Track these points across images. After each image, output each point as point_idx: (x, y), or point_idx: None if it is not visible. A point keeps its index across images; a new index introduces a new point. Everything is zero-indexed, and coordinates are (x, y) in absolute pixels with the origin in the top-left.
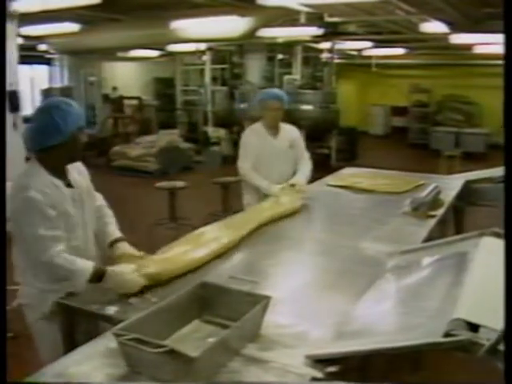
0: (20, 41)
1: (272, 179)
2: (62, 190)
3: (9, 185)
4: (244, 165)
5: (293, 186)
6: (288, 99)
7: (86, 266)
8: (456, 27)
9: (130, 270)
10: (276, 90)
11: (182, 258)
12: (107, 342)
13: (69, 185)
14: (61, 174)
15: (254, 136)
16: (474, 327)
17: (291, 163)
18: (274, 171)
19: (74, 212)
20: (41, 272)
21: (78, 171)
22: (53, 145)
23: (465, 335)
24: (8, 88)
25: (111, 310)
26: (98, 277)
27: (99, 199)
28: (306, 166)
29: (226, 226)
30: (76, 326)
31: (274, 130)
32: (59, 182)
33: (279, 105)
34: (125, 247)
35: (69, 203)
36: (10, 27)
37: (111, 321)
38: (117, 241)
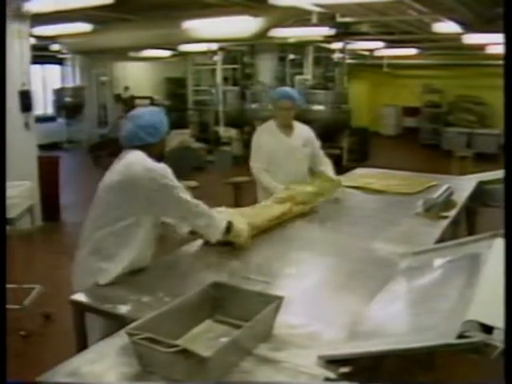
0: (32, 41)
1: (286, 178)
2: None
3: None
4: (255, 164)
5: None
6: (300, 98)
7: (222, 220)
8: (468, 27)
9: (243, 224)
10: (288, 89)
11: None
12: (120, 340)
13: None
14: None
15: (266, 134)
16: (487, 329)
17: (306, 162)
18: (289, 169)
19: None
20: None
21: None
22: (151, 143)
23: (478, 337)
24: (20, 88)
25: (124, 308)
26: (228, 228)
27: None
28: (328, 165)
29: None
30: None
31: (287, 128)
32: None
33: (291, 104)
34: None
35: None
36: (23, 27)
37: (124, 320)
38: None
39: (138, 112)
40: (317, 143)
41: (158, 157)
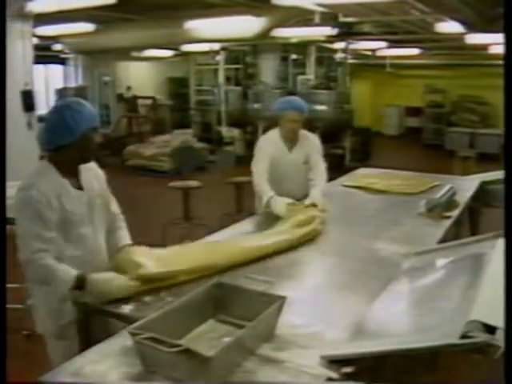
0: (35, 41)
1: (285, 192)
2: (70, 192)
3: (16, 184)
4: (257, 169)
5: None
6: (308, 107)
7: (69, 273)
8: (471, 27)
9: (114, 276)
10: (295, 100)
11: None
12: (123, 340)
13: (79, 187)
14: (72, 175)
15: (269, 145)
16: (490, 329)
17: (302, 180)
18: (287, 184)
19: (80, 215)
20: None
21: (94, 174)
22: (64, 145)
23: (482, 337)
24: (23, 88)
25: (127, 308)
26: (80, 285)
27: (113, 205)
28: (320, 181)
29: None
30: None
31: (291, 141)
32: (68, 184)
33: (298, 116)
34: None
35: (75, 206)
36: (26, 27)
37: (127, 319)
38: (125, 246)
39: (50, 109)
40: (319, 155)
41: (78, 161)
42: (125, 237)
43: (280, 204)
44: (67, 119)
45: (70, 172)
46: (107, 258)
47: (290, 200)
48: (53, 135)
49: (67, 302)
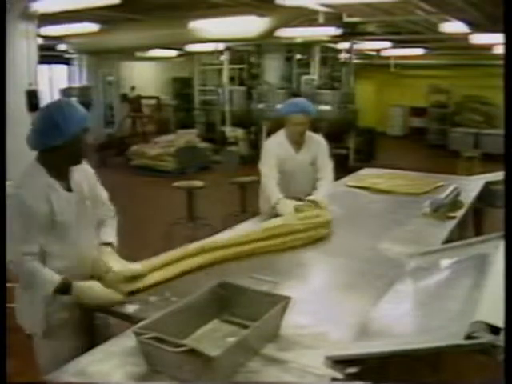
0: (40, 41)
1: (292, 193)
2: (60, 193)
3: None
4: (265, 171)
5: (313, 202)
6: (314, 110)
7: (53, 277)
8: (476, 27)
9: (96, 285)
10: (301, 102)
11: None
12: (127, 340)
13: (69, 189)
14: (62, 176)
15: (276, 147)
16: (495, 330)
17: (310, 181)
18: (295, 186)
19: (69, 217)
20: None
21: (84, 174)
22: (54, 146)
23: (486, 338)
24: (27, 88)
25: (131, 308)
26: (64, 290)
27: (106, 206)
28: (327, 182)
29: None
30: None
31: (297, 143)
32: (57, 185)
33: (305, 119)
34: (108, 253)
35: (65, 207)
36: (30, 27)
37: (131, 319)
38: (105, 244)
39: (41, 109)
40: (325, 157)
41: (69, 161)
42: (108, 234)
43: (287, 206)
44: (57, 120)
45: (60, 173)
46: None
47: (298, 202)
48: (42, 136)
49: (53, 305)
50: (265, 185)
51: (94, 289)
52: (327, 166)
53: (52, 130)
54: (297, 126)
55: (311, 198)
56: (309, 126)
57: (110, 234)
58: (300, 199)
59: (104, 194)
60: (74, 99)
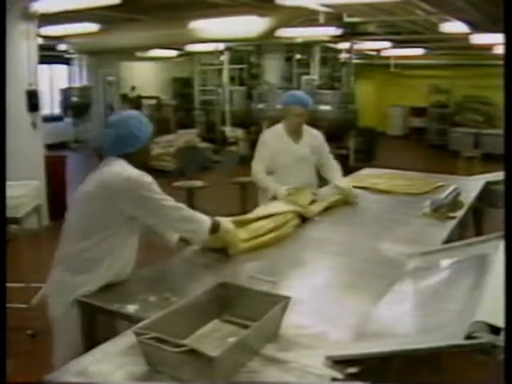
0: (40, 41)
1: (293, 184)
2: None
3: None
4: (257, 166)
5: (340, 189)
6: (312, 102)
7: (206, 217)
8: (476, 27)
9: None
10: (300, 94)
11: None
12: (128, 340)
13: None
14: None
15: (273, 139)
16: (495, 330)
17: (313, 169)
18: (295, 177)
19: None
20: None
21: None
22: (130, 152)
23: (486, 338)
24: (27, 88)
25: (131, 308)
26: (214, 228)
27: None
28: (337, 172)
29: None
30: (96, 324)
31: (295, 134)
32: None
33: (303, 110)
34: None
35: None
36: (31, 27)
37: (131, 319)
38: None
39: (116, 119)
40: (326, 149)
41: (141, 165)
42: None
43: (280, 189)
44: (135, 130)
45: None
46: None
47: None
48: (122, 143)
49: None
50: (258, 180)
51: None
52: (332, 161)
53: (131, 139)
54: (295, 117)
55: (336, 185)
56: (306, 120)
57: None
58: (311, 187)
59: None
60: (74, 99)
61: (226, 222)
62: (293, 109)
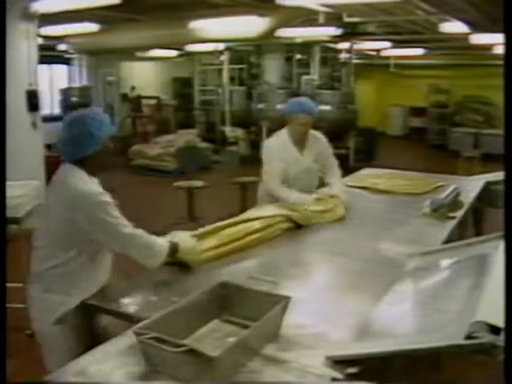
0: (40, 41)
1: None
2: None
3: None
4: (273, 181)
5: (333, 197)
6: (317, 109)
7: (163, 241)
8: (476, 27)
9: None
10: (305, 102)
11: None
12: (128, 340)
13: None
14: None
15: (280, 151)
16: (495, 330)
17: (314, 180)
18: (299, 186)
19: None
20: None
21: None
22: (88, 154)
23: (486, 338)
24: (27, 87)
25: (131, 308)
26: (172, 250)
27: None
28: (338, 179)
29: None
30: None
31: (301, 144)
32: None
33: (309, 119)
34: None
35: None
36: (31, 27)
37: (131, 319)
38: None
39: (72, 117)
40: (330, 154)
41: (99, 169)
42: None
43: (307, 199)
44: (92, 129)
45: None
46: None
47: (316, 196)
48: (77, 146)
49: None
50: (274, 189)
51: (192, 241)
52: (333, 163)
53: (88, 140)
54: (301, 126)
55: (330, 193)
56: (311, 125)
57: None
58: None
59: None
60: (74, 99)
61: (186, 241)
62: (298, 118)
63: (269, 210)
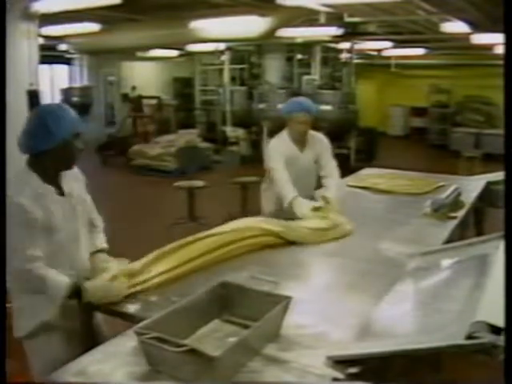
0: (41, 41)
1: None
2: (52, 198)
3: None
4: (277, 167)
5: (325, 200)
6: (316, 108)
7: (64, 279)
8: (477, 27)
9: (108, 278)
10: (303, 101)
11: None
12: (128, 340)
13: (61, 193)
14: (53, 180)
15: (283, 148)
16: (496, 330)
17: (313, 180)
18: (298, 186)
19: (62, 222)
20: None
21: (74, 178)
22: (45, 150)
23: (487, 338)
24: (28, 87)
25: (132, 308)
26: (76, 292)
27: (93, 211)
28: (334, 180)
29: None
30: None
31: (301, 143)
32: (49, 190)
33: (308, 118)
34: (104, 259)
35: (58, 212)
36: (32, 27)
37: (132, 319)
38: (98, 251)
39: (33, 111)
40: (329, 155)
41: (59, 167)
42: (100, 240)
43: (303, 205)
44: (48, 124)
45: (52, 178)
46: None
47: (315, 203)
48: (33, 140)
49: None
50: (278, 181)
51: (105, 285)
52: (331, 164)
53: (43, 134)
54: (300, 125)
55: (323, 194)
56: (310, 125)
57: (102, 238)
58: (312, 198)
59: (88, 199)
60: (75, 99)
61: (93, 284)
62: (297, 117)
63: (249, 222)
